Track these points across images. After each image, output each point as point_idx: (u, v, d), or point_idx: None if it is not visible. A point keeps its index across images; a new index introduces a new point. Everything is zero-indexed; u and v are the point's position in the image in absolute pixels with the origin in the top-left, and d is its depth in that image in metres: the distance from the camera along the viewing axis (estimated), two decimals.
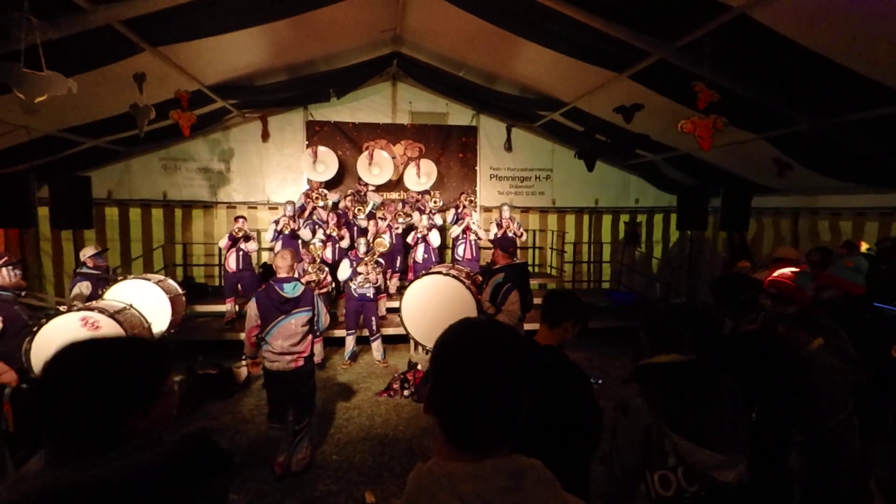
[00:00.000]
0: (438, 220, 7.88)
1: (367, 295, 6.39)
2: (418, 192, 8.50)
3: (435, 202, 7.97)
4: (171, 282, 5.59)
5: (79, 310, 4.08)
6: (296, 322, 3.86)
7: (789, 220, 7.26)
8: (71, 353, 1.08)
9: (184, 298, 5.63)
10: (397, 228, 7.74)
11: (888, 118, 4.21)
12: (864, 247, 5.17)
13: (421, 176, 8.69)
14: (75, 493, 0.95)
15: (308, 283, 5.96)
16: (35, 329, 3.81)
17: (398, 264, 7.97)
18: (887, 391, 2.78)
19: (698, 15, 3.90)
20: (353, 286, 6.35)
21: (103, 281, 5.25)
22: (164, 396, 1.15)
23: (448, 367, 0.93)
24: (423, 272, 5.75)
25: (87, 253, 5.38)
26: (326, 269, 6.60)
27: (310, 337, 4.01)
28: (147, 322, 4.48)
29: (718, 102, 4.11)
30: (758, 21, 3.64)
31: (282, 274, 3.89)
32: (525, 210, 9.64)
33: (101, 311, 4.07)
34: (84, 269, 5.27)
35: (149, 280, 5.23)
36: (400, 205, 8.18)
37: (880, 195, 5.80)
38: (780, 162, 6.10)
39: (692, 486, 1.76)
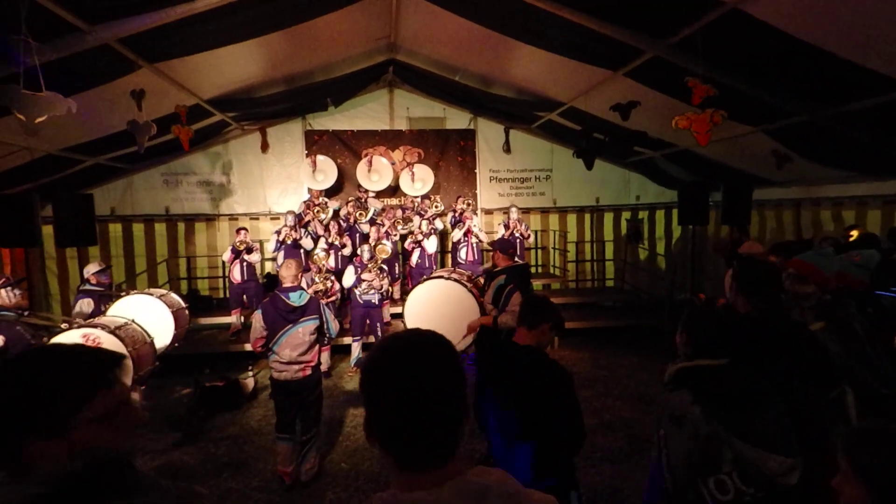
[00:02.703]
0: (439, 224, 7.89)
1: (373, 301, 6.40)
2: (418, 198, 8.51)
3: (436, 206, 7.98)
4: (173, 296, 5.61)
5: (79, 327, 4.09)
6: (303, 331, 3.87)
7: (792, 211, 7.23)
8: None
9: (187, 312, 5.64)
10: (395, 235, 7.75)
11: (885, 106, 4.19)
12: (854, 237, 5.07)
13: (416, 181, 8.69)
14: None
15: (316, 292, 5.98)
16: None
17: (396, 271, 7.96)
18: None
19: (691, 11, 3.90)
20: (358, 293, 6.37)
21: (106, 297, 5.27)
22: (92, 421, 0.95)
23: (382, 388, 0.90)
24: (425, 277, 5.75)
25: (90, 270, 5.41)
26: (333, 277, 6.62)
27: (317, 346, 4.02)
28: (150, 337, 4.48)
29: (715, 97, 4.11)
30: (750, 15, 3.64)
31: (287, 283, 3.90)
32: (526, 211, 9.62)
33: (103, 327, 4.08)
34: (87, 287, 5.30)
35: (151, 295, 5.25)
36: (399, 211, 8.20)
37: (882, 183, 5.78)
38: (778, 154, 6.08)
39: (750, 487, 1.74)
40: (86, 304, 5.08)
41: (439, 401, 0.88)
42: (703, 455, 1.79)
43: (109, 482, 0.97)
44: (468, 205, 8.10)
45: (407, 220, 7.82)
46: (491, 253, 5.40)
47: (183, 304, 5.59)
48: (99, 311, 5.05)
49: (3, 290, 3.86)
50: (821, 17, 3.50)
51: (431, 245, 7.62)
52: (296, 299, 3.85)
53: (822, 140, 5.29)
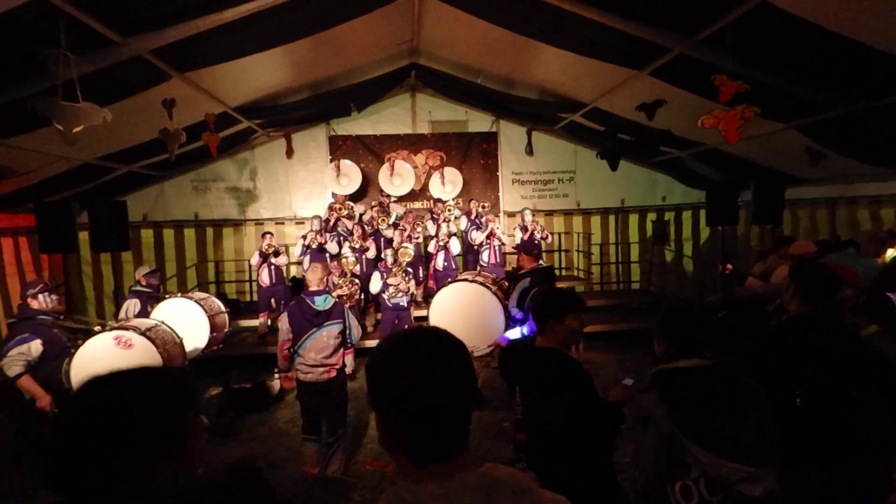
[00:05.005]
0: (444, 228, 7.85)
1: (402, 304, 6.45)
2: (436, 201, 8.54)
3: (449, 210, 7.98)
4: (214, 300, 5.76)
5: (111, 329, 4.22)
6: (328, 334, 3.92)
7: (826, 210, 7.00)
8: (83, 398, 0.97)
9: (226, 317, 5.79)
10: (417, 238, 7.78)
11: None
12: None
13: (446, 184, 8.74)
14: None
15: (340, 296, 6.05)
16: (73, 350, 3.96)
17: (420, 274, 7.98)
18: None
19: (718, 6, 3.82)
20: (387, 297, 6.42)
21: (153, 299, 5.48)
22: (194, 435, 1.00)
23: (389, 383, 0.91)
24: (450, 279, 5.75)
25: (141, 272, 5.68)
26: (357, 281, 6.68)
27: (341, 349, 4.06)
28: (178, 338, 4.56)
29: (745, 93, 4.00)
30: (780, 8, 3.55)
31: (313, 287, 3.96)
32: (549, 213, 9.57)
33: (133, 329, 4.20)
34: (138, 287, 5.54)
35: (191, 299, 5.42)
36: (427, 214, 8.24)
37: None
38: (812, 151, 5.90)
39: (715, 496, 1.72)
40: (132, 305, 5.30)
41: (446, 394, 0.89)
42: (669, 457, 1.80)
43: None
44: (483, 208, 8.08)
45: (421, 223, 7.84)
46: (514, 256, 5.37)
47: (222, 309, 5.75)
48: (146, 311, 5.25)
49: (40, 296, 4.03)
50: (851, 6, 3.39)
51: (455, 246, 7.63)
52: (321, 303, 3.90)
53: (860, 135, 5.11)
